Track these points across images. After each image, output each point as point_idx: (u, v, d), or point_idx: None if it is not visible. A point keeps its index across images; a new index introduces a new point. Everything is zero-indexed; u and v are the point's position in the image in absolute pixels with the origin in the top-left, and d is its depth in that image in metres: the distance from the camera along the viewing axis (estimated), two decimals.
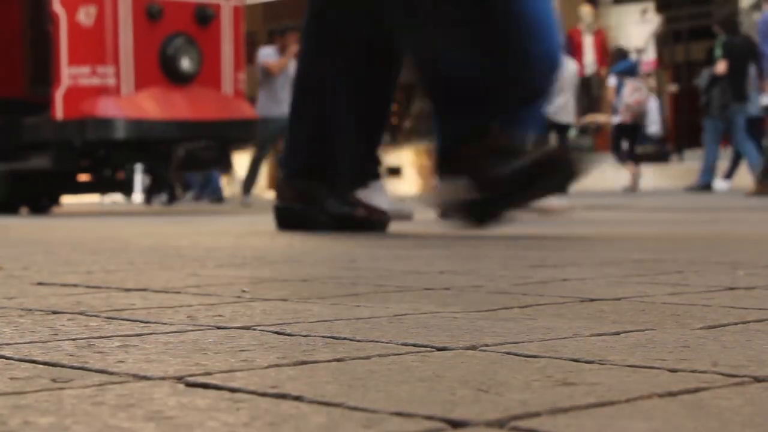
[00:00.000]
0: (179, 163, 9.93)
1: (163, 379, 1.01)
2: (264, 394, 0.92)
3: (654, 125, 15.92)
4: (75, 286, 2.03)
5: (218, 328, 1.39)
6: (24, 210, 10.55)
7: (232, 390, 0.95)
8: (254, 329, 1.37)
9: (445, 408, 0.86)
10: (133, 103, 9.31)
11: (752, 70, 12.92)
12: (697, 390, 0.92)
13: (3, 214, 9.75)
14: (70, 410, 0.87)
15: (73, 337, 1.32)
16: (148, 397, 0.92)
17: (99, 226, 5.82)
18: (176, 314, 1.55)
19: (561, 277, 2.09)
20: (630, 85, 14.36)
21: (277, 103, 11.96)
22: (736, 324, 1.37)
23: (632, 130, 14.80)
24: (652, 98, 15.33)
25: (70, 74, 9.27)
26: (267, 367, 1.07)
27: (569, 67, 11.84)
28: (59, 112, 9.26)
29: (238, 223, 6.41)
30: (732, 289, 1.82)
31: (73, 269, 2.44)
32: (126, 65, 9.30)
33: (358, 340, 1.25)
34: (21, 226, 6.12)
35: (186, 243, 3.62)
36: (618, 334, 1.29)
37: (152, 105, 9.38)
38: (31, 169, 9.72)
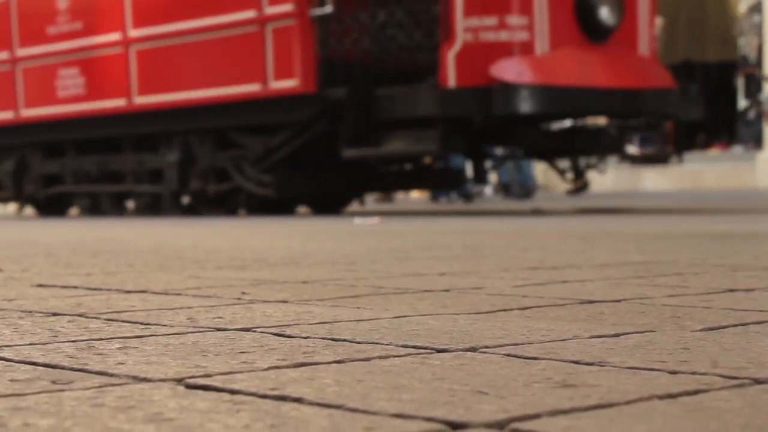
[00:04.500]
0: (608, 145, 7.58)
1: (163, 380, 1.01)
2: (264, 396, 0.92)
3: None
4: (75, 287, 2.03)
5: (218, 329, 1.39)
6: (303, 210, 8.37)
7: (233, 392, 0.95)
8: (254, 331, 1.37)
9: (445, 410, 0.86)
10: (549, 65, 6.96)
11: None
12: (697, 392, 0.92)
13: (273, 214, 7.71)
14: (70, 412, 0.87)
15: (73, 338, 1.32)
16: (148, 398, 0.92)
17: (98, 228, 5.82)
18: (176, 316, 1.55)
19: (560, 279, 2.09)
20: None
21: None
22: (735, 326, 1.37)
23: None
24: None
25: (467, 27, 6.86)
26: (267, 369, 1.07)
27: None
28: (451, 77, 6.76)
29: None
30: (731, 291, 1.82)
31: (73, 271, 2.44)
32: (540, 15, 6.97)
33: (358, 342, 1.25)
34: (20, 227, 6.12)
35: (186, 244, 3.62)
36: (618, 336, 1.29)
37: (570, 68, 7.00)
38: (399, 153, 7.25)
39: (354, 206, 8.98)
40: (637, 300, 1.69)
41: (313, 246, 3.43)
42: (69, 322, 1.49)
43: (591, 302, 1.67)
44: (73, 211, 9.71)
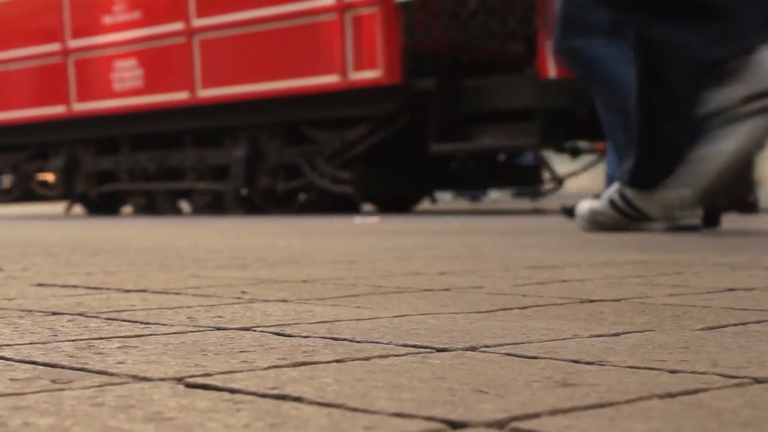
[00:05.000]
0: None
1: (162, 380, 1.01)
2: (264, 395, 0.93)
3: None
4: (75, 287, 2.03)
5: (218, 329, 1.39)
6: (368, 207, 7.98)
7: (232, 391, 0.95)
8: (254, 330, 1.37)
9: (445, 409, 0.86)
10: None
11: None
12: (696, 391, 0.92)
13: (337, 213, 7.15)
14: (70, 411, 0.87)
15: (73, 338, 1.32)
16: (147, 398, 0.92)
17: (98, 227, 5.82)
18: (176, 315, 1.55)
19: (560, 278, 2.09)
20: None
21: None
22: (735, 325, 1.37)
23: None
24: None
25: None
26: (267, 368, 1.07)
27: None
28: (552, 67, 6.27)
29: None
30: (731, 290, 1.82)
31: (72, 270, 2.44)
32: None
33: (358, 341, 1.25)
34: (20, 226, 6.12)
35: (186, 243, 3.62)
36: (617, 335, 1.29)
37: None
38: (494, 148, 6.73)
39: (425, 204, 8.47)
40: (637, 299, 1.69)
41: (313, 245, 3.43)
42: (69, 321, 1.49)
43: (591, 301, 1.67)
44: (127, 210, 9.31)
